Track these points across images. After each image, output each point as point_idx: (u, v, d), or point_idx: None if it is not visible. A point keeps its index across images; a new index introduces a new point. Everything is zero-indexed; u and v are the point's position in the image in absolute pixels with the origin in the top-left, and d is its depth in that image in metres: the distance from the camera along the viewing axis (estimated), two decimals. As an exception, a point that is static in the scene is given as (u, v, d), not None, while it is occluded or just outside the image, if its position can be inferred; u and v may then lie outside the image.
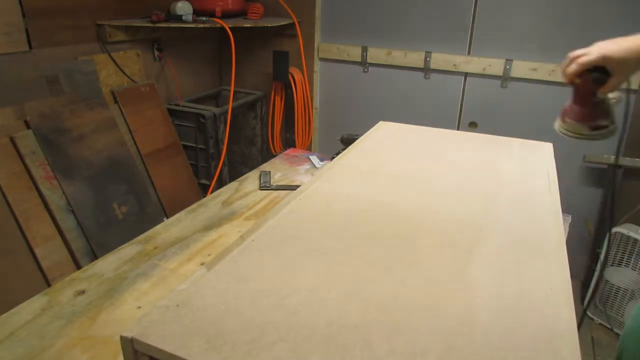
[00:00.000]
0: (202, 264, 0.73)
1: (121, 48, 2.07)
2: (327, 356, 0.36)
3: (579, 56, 0.79)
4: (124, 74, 2.08)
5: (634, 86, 1.81)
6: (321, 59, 2.44)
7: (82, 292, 0.65)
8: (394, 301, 0.42)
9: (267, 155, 2.58)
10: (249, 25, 2.14)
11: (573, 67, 0.79)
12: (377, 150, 0.81)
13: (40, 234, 1.65)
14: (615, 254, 1.75)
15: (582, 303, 1.87)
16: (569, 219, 1.07)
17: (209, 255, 0.76)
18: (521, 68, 1.98)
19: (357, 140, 0.86)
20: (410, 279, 0.45)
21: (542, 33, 1.92)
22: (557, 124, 0.91)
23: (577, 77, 0.81)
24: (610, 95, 0.93)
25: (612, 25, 1.79)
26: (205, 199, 0.97)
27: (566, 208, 1.76)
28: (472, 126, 2.20)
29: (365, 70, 2.34)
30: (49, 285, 1.57)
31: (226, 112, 2.25)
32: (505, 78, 2.03)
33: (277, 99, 2.53)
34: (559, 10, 1.87)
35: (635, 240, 1.68)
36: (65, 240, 1.71)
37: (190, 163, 2.35)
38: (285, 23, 2.30)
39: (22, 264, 1.61)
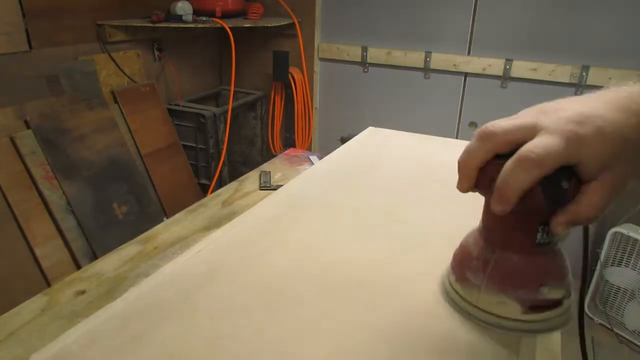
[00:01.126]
0: (202, 264, 0.73)
1: (121, 48, 2.07)
2: None
3: (506, 138, 0.35)
4: (124, 74, 2.08)
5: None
6: (321, 59, 2.44)
7: (82, 292, 0.65)
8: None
9: (267, 155, 2.58)
10: (249, 25, 2.14)
11: (512, 175, 0.32)
12: (356, 158, 0.79)
13: (40, 234, 1.65)
14: (615, 254, 1.75)
15: (582, 303, 1.87)
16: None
17: (209, 255, 0.75)
18: (521, 68, 1.98)
19: (342, 147, 0.86)
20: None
21: (542, 33, 1.92)
22: (450, 285, 0.40)
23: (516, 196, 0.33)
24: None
25: (612, 24, 1.79)
26: (205, 199, 0.96)
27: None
28: (472, 126, 2.19)
29: (365, 70, 2.34)
30: (49, 285, 1.57)
31: (226, 112, 2.25)
32: (505, 78, 2.03)
33: (277, 99, 2.53)
34: (558, 10, 1.87)
35: (635, 240, 1.68)
36: (65, 240, 1.71)
37: (190, 163, 2.35)
38: (285, 23, 2.30)
39: (22, 264, 1.61)
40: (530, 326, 0.36)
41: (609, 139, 0.32)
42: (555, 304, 0.36)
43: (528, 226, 0.35)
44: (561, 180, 0.32)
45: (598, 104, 0.33)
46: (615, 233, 1.74)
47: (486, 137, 0.35)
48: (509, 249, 0.36)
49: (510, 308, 0.36)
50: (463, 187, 0.36)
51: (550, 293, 0.36)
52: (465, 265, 0.38)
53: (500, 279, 0.36)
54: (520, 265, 0.36)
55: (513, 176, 0.31)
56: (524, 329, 0.36)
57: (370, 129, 0.93)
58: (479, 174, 0.35)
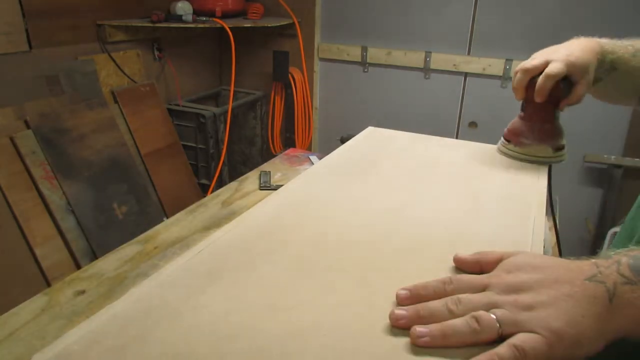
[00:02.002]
0: (202, 264, 0.73)
1: (121, 48, 2.07)
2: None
3: (536, 67, 0.68)
4: (124, 74, 2.08)
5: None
6: (321, 59, 2.44)
7: (82, 292, 0.65)
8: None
9: (267, 155, 2.58)
10: (249, 25, 2.15)
11: (543, 81, 0.66)
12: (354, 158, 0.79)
13: (40, 234, 1.65)
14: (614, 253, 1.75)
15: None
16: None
17: (209, 255, 0.75)
18: (521, 68, 1.98)
19: (341, 147, 0.85)
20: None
21: (542, 33, 1.92)
22: (507, 148, 0.76)
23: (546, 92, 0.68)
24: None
25: (612, 24, 1.79)
26: (205, 199, 0.97)
27: (566, 208, 1.75)
28: (472, 126, 2.20)
29: (365, 70, 2.34)
30: (49, 285, 1.57)
31: (226, 112, 2.25)
32: (505, 78, 2.04)
33: (277, 99, 2.53)
34: (558, 10, 1.87)
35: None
36: (65, 240, 1.71)
37: (190, 163, 2.35)
38: (285, 23, 2.30)
39: (22, 264, 1.61)
40: (556, 159, 0.73)
41: (583, 63, 0.67)
42: (563, 147, 0.73)
43: (551, 109, 0.72)
44: (566, 82, 0.67)
45: (577, 48, 0.69)
46: (615, 233, 1.74)
47: (524, 71, 0.69)
48: (543, 122, 0.73)
49: (548, 151, 0.73)
50: (520, 96, 0.72)
51: (563, 140, 0.73)
52: (520, 135, 0.74)
53: (543, 136, 0.72)
54: (551, 129, 0.73)
55: (544, 82, 0.66)
56: (554, 160, 0.73)
57: (370, 128, 0.93)
58: (526, 89, 0.70)
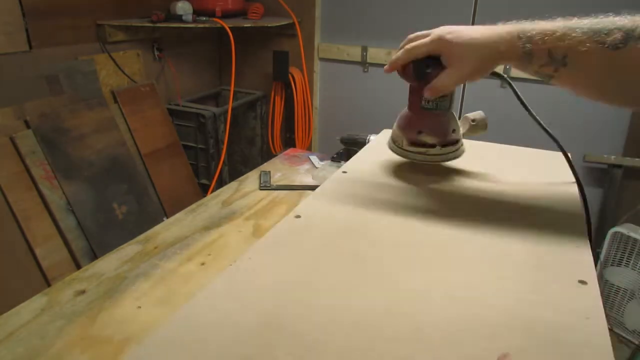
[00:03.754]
0: (202, 264, 0.73)
1: (121, 48, 2.07)
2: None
3: (414, 39, 0.58)
4: (124, 74, 2.08)
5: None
6: (321, 59, 2.44)
7: (82, 292, 0.65)
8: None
9: (267, 155, 2.58)
10: (249, 25, 2.14)
11: (398, 54, 0.58)
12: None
13: (40, 234, 1.65)
14: (615, 254, 1.75)
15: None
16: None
17: (209, 255, 0.76)
18: (521, 68, 1.98)
19: (363, 150, 0.85)
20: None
21: (542, 33, 1.92)
22: (392, 142, 0.69)
23: (401, 68, 0.60)
24: (471, 116, 0.74)
25: (612, 25, 1.79)
26: (205, 199, 0.97)
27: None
28: (472, 126, 2.19)
29: (365, 70, 2.34)
30: (49, 285, 1.57)
31: (226, 112, 2.25)
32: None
33: (277, 99, 2.53)
34: (558, 11, 1.87)
35: (635, 240, 1.68)
36: (65, 240, 1.71)
37: (190, 163, 2.35)
38: (285, 23, 2.30)
39: (22, 264, 1.61)
40: (413, 155, 0.65)
41: (463, 46, 0.55)
42: (431, 146, 0.64)
43: (418, 97, 0.63)
44: (433, 65, 0.58)
45: (480, 28, 0.59)
46: (615, 233, 1.74)
47: (407, 51, 0.59)
48: (410, 110, 0.66)
49: (401, 141, 0.66)
50: (386, 69, 0.62)
51: (424, 138, 0.64)
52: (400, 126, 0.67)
53: (400, 124, 0.66)
54: (410, 119, 0.65)
55: (398, 55, 0.59)
56: (410, 157, 0.66)
57: (386, 131, 0.93)
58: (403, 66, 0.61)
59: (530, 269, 0.47)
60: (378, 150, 0.79)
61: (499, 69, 2.01)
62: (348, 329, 0.38)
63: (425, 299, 0.42)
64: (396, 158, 0.71)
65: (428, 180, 0.68)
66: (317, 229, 0.54)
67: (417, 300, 0.42)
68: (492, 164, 0.76)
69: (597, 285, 0.45)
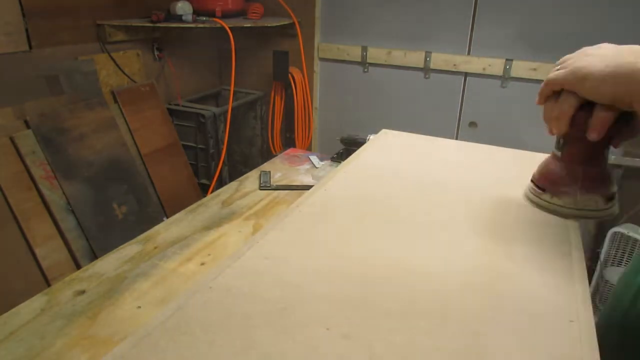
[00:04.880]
0: (202, 263, 0.73)
1: (121, 48, 2.07)
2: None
3: (575, 79, 0.49)
4: (124, 73, 2.08)
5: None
6: (321, 59, 2.44)
7: (82, 292, 0.65)
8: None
9: (267, 155, 2.58)
10: (249, 25, 2.14)
11: (606, 112, 0.47)
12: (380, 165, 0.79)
13: (40, 234, 1.65)
14: (615, 254, 1.75)
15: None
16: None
17: (209, 255, 0.76)
18: (521, 68, 1.98)
19: (358, 151, 0.85)
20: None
21: (542, 33, 1.92)
22: (541, 199, 0.59)
23: (576, 119, 0.50)
24: None
25: (612, 24, 1.79)
26: (205, 199, 0.97)
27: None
28: (472, 126, 2.20)
29: (365, 70, 2.34)
30: (49, 285, 1.57)
31: (226, 112, 2.25)
32: (505, 78, 2.04)
33: (277, 99, 2.53)
34: (558, 10, 1.87)
35: (635, 240, 1.68)
36: (65, 240, 1.72)
37: (190, 163, 2.35)
38: (285, 23, 2.30)
39: (22, 264, 1.61)
40: (607, 212, 0.56)
41: None
42: (614, 195, 0.57)
43: (603, 147, 0.54)
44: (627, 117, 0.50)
45: (629, 53, 0.49)
46: (615, 233, 1.74)
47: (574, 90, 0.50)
48: (592, 164, 0.55)
49: (598, 202, 0.56)
50: (562, 130, 0.52)
51: (613, 188, 0.56)
52: (559, 183, 0.57)
53: (591, 185, 0.55)
54: (602, 175, 0.56)
55: (607, 113, 0.48)
56: (606, 215, 0.56)
57: (384, 131, 0.93)
58: (572, 120, 0.51)
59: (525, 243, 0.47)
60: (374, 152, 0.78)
61: (499, 68, 2.02)
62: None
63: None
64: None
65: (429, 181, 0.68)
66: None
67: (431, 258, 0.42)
68: (494, 165, 0.75)
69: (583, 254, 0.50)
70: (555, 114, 0.51)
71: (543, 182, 0.59)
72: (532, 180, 0.61)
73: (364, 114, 2.41)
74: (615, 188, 0.56)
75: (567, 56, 0.54)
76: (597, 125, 0.48)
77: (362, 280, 0.45)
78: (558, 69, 0.52)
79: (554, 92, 0.52)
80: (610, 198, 0.56)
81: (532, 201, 0.60)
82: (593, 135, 0.49)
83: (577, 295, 0.44)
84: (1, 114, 1.63)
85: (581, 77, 0.48)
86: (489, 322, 0.40)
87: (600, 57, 0.50)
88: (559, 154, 0.57)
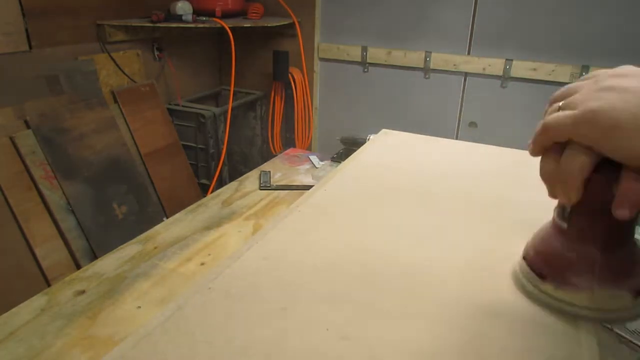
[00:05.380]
0: (202, 263, 0.73)
1: (121, 48, 2.07)
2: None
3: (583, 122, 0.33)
4: (124, 73, 2.08)
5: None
6: (321, 59, 2.44)
7: (82, 292, 0.65)
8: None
9: (267, 155, 2.58)
10: (249, 25, 2.14)
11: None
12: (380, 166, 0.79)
13: (40, 234, 1.65)
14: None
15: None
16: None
17: (209, 255, 0.76)
18: (521, 68, 1.98)
19: (358, 151, 0.85)
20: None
21: (542, 33, 1.92)
22: (539, 289, 0.41)
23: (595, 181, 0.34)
24: None
25: (612, 24, 1.79)
26: (205, 199, 0.96)
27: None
28: (472, 126, 2.20)
29: (365, 70, 2.34)
30: (49, 285, 1.57)
31: (226, 112, 2.25)
32: (505, 78, 2.03)
33: (277, 99, 2.53)
34: (558, 10, 1.87)
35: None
36: (65, 240, 1.71)
37: (190, 163, 2.35)
38: (285, 23, 2.30)
39: (22, 264, 1.61)
40: (637, 312, 0.39)
41: None
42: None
43: (632, 222, 0.38)
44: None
45: None
46: (615, 233, 1.74)
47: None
48: (613, 245, 0.38)
49: (623, 299, 0.38)
50: (572, 199, 0.36)
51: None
52: (566, 271, 0.39)
53: (614, 276, 0.38)
54: (628, 259, 0.39)
55: (636, 187, 0.32)
56: (636, 314, 0.39)
57: (384, 131, 0.93)
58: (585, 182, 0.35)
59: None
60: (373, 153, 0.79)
61: (499, 69, 2.02)
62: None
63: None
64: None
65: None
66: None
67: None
68: (494, 165, 0.76)
69: None
70: (561, 177, 0.35)
71: (542, 267, 0.42)
72: (524, 258, 0.44)
73: (364, 114, 2.41)
74: None
75: (572, 86, 0.37)
76: (629, 197, 0.32)
77: (362, 280, 0.45)
78: (561, 108, 0.36)
79: (555, 143, 0.36)
80: (639, 291, 0.39)
81: (527, 291, 0.42)
82: (622, 213, 0.33)
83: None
84: (1, 114, 1.63)
85: (604, 128, 0.32)
86: (489, 322, 0.40)
87: (628, 94, 0.32)
88: (564, 226, 0.40)
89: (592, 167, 0.34)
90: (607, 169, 0.33)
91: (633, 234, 0.39)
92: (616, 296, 0.39)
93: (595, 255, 0.38)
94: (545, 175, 0.37)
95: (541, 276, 0.41)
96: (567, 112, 0.34)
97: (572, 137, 0.34)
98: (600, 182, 0.34)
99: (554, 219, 0.41)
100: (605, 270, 0.38)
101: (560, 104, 0.36)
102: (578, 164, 0.34)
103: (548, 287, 0.41)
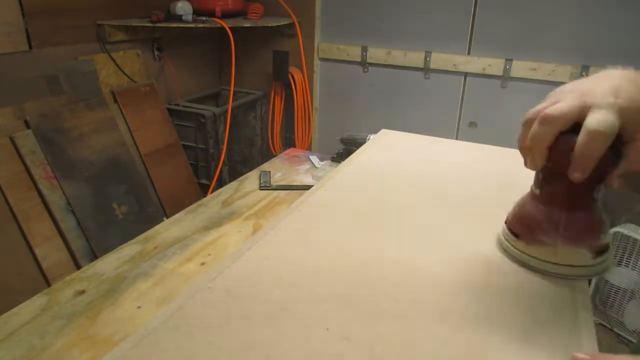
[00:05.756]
0: (202, 263, 0.73)
1: (121, 48, 2.07)
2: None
3: (566, 115, 0.40)
4: (124, 73, 2.08)
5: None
6: (321, 59, 2.44)
7: (82, 292, 0.65)
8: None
9: (267, 155, 2.58)
10: (249, 25, 2.14)
11: (590, 144, 0.38)
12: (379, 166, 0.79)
13: (40, 234, 1.65)
14: (615, 254, 1.75)
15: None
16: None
17: (209, 255, 0.76)
18: (521, 68, 1.98)
19: (359, 150, 0.85)
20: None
21: (542, 33, 1.92)
22: (515, 247, 0.48)
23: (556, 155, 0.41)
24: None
25: (612, 24, 1.79)
26: (205, 199, 0.97)
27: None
28: (472, 126, 2.20)
29: (365, 70, 2.34)
30: (49, 285, 1.57)
31: (226, 112, 2.25)
32: (505, 78, 2.03)
33: (277, 99, 2.53)
34: (558, 10, 1.87)
35: (635, 240, 1.68)
36: (65, 240, 1.71)
37: (190, 163, 2.35)
38: (285, 23, 2.30)
39: (22, 264, 1.61)
40: (597, 269, 0.46)
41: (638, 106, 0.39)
42: (607, 247, 0.46)
43: (591, 187, 0.43)
44: (618, 145, 0.39)
45: (625, 83, 0.40)
46: (615, 233, 1.74)
47: (549, 120, 0.40)
48: (576, 208, 0.44)
49: (584, 256, 0.45)
50: (537, 164, 0.42)
51: (605, 238, 0.45)
52: (536, 229, 0.46)
53: (575, 234, 0.44)
54: (589, 220, 0.45)
55: (590, 147, 0.38)
56: (593, 272, 0.46)
57: (383, 131, 0.93)
58: (550, 151, 0.41)
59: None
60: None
61: (499, 69, 2.02)
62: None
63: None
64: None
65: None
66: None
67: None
68: (494, 165, 0.76)
69: None
70: (528, 142, 0.41)
71: (517, 227, 0.49)
72: (505, 222, 0.51)
73: (364, 114, 2.40)
74: (608, 238, 0.46)
75: (555, 91, 0.44)
76: (582, 158, 0.38)
77: (362, 280, 0.45)
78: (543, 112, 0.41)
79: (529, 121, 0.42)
80: (600, 251, 0.45)
81: (504, 249, 0.50)
82: (576, 175, 0.39)
83: (577, 294, 0.44)
84: (1, 114, 1.63)
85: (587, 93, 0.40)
86: (488, 322, 0.40)
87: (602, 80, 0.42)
88: (537, 192, 0.47)
89: (554, 136, 0.40)
90: (568, 136, 0.39)
91: (596, 197, 0.44)
92: (577, 253, 0.45)
93: (560, 215, 0.44)
94: (519, 145, 0.43)
95: (515, 235, 0.48)
96: (565, 102, 0.40)
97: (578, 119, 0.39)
98: (564, 146, 0.40)
99: (531, 187, 0.48)
100: (568, 229, 0.44)
101: (541, 112, 0.41)
102: (541, 132, 0.40)
103: (520, 244, 0.48)
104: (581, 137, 0.38)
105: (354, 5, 2.25)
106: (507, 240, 0.50)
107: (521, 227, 0.48)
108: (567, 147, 0.39)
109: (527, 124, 0.42)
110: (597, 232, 0.45)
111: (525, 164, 0.44)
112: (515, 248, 0.48)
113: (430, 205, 0.61)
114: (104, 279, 0.68)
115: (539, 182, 0.46)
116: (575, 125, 0.39)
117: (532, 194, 0.48)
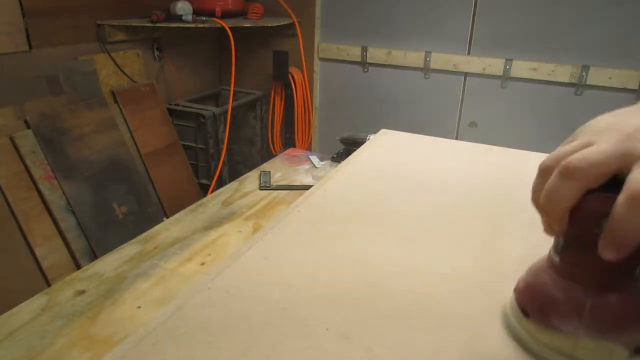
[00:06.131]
0: (202, 263, 0.73)
1: (121, 48, 2.07)
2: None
3: (598, 168, 0.28)
4: (124, 73, 2.08)
5: (632, 85, 1.81)
6: (321, 59, 2.44)
7: (82, 292, 0.65)
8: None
9: (267, 155, 2.58)
10: (248, 25, 2.14)
11: (631, 214, 0.25)
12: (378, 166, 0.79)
13: (40, 234, 1.65)
14: (615, 254, 1.74)
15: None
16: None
17: (209, 255, 0.76)
18: (521, 68, 1.98)
19: (358, 151, 0.85)
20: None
21: (542, 33, 1.92)
22: (525, 329, 0.36)
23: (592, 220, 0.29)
24: None
25: (612, 24, 1.79)
26: (205, 199, 0.96)
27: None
28: (472, 126, 2.20)
29: (365, 70, 2.34)
30: (49, 285, 1.57)
31: (226, 112, 2.25)
32: (505, 78, 2.03)
33: (277, 99, 2.53)
34: (558, 10, 1.87)
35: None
36: (65, 240, 1.71)
37: (190, 163, 2.35)
38: (285, 23, 2.30)
39: (22, 264, 1.61)
40: None
41: None
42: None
43: (629, 263, 0.30)
44: None
45: None
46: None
47: (573, 174, 0.29)
48: (607, 288, 0.32)
49: (615, 354, 0.32)
50: (554, 231, 0.32)
51: None
52: (550, 310, 0.34)
53: (604, 323, 0.32)
54: (624, 306, 0.32)
55: (632, 218, 0.26)
56: None
57: (383, 131, 0.93)
58: (574, 214, 0.30)
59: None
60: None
61: (499, 69, 2.01)
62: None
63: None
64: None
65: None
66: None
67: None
68: (494, 165, 0.75)
69: None
70: (543, 200, 0.31)
71: (526, 302, 0.37)
72: (514, 290, 0.39)
73: (364, 114, 2.41)
74: None
75: (587, 126, 0.33)
76: (620, 232, 0.26)
77: (362, 280, 0.45)
78: (579, 145, 0.31)
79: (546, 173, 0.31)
80: (638, 348, 0.32)
81: (510, 329, 0.38)
82: (608, 253, 0.28)
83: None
84: (1, 114, 1.63)
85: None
86: (488, 322, 0.40)
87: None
88: (556, 260, 0.34)
89: (579, 196, 0.29)
90: (600, 196, 0.29)
91: (637, 276, 0.31)
92: (605, 349, 0.32)
93: (584, 296, 0.32)
94: (532, 198, 0.33)
95: (525, 313, 0.37)
96: (599, 145, 0.29)
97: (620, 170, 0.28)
98: (589, 211, 0.29)
99: (549, 251, 0.36)
100: (595, 316, 0.32)
101: (573, 142, 0.31)
102: (562, 189, 0.29)
103: (529, 326, 0.36)
104: (621, 201, 0.26)
105: (354, 5, 2.25)
106: (514, 316, 0.38)
107: (532, 303, 0.36)
108: (598, 211, 0.29)
109: (544, 173, 0.31)
110: (634, 323, 0.32)
111: (547, 229, 0.33)
112: (523, 328, 0.36)
113: (430, 205, 0.61)
114: (104, 279, 0.68)
115: (559, 248, 0.34)
116: (612, 179, 0.28)
117: (549, 261, 0.35)
